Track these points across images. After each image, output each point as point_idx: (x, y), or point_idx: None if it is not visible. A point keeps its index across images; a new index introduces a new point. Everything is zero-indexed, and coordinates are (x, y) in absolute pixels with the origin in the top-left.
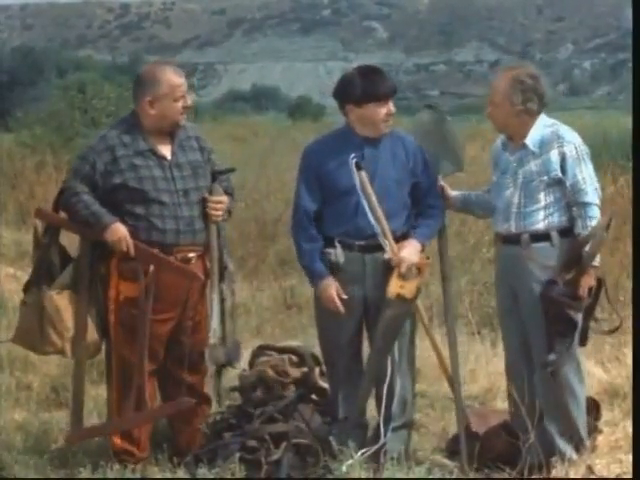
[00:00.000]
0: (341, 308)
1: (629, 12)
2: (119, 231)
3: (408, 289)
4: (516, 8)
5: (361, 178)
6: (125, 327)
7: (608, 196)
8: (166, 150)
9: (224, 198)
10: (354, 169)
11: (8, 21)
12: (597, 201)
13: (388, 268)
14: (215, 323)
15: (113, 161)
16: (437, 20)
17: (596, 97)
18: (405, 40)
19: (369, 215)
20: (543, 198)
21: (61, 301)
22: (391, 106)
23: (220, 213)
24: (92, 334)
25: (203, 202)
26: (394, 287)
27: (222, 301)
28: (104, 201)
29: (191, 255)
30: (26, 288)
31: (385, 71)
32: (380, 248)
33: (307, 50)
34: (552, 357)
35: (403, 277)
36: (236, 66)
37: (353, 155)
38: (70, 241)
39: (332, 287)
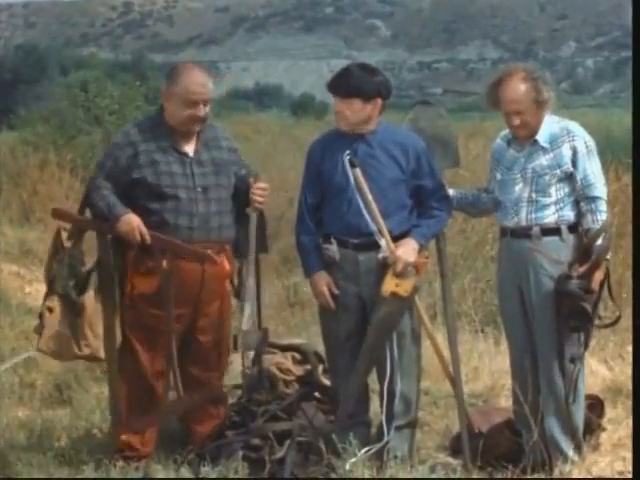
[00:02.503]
0: (331, 303)
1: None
2: (132, 221)
3: (404, 287)
4: (519, 6)
5: (355, 175)
6: (138, 323)
7: (611, 194)
8: (189, 147)
9: (267, 186)
10: (348, 166)
11: (11, 19)
12: (605, 196)
13: (384, 266)
14: (249, 309)
15: (134, 156)
16: (440, 18)
17: (599, 95)
18: (408, 38)
19: (364, 212)
20: (554, 192)
21: (93, 302)
22: (338, 105)
23: (263, 200)
24: (118, 333)
25: (223, 199)
26: (389, 285)
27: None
28: (123, 196)
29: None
30: (47, 295)
31: (364, 71)
32: (374, 247)
33: (310, 48)
34: (580, 351)
35: (399, 275)
36: (239, 64)
37: (347, 152)
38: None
39: (322, 281)
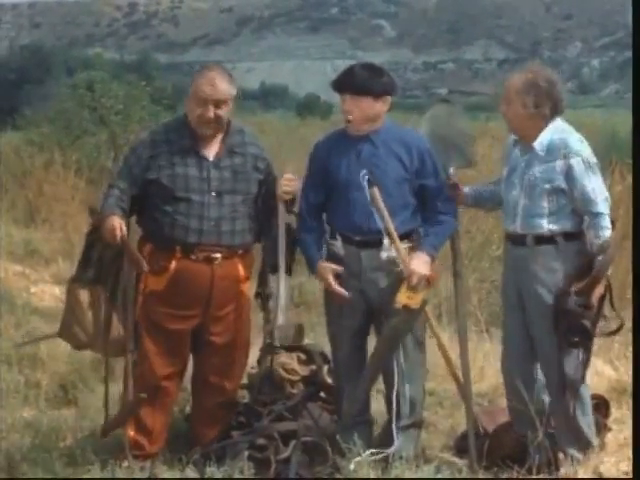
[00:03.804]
0: (341, 290)
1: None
2: (110, 223)
3: (415, 300)
4: (524, 6)
5: (372, 194)
6: (148, 323)
7: (616, 195)
8: (210, 151)
9: (294, 177)
10: (366, 185)
11: (16, 19)
12: (608, 211)
13: (398, 279)
14: (283, 303)
15: (154, 156)
16: (445, 18)
17: (604, 95)
18: (413, 38)
19: (382, 229)
20: (547, 205)
21: (84, 296)
22: (346, 103)
23: (290, 190)
24: (118, 331)
25: (239, 205)
26: (402, 298)
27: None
28: (138, 194)
29: (216, 255)
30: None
31: (371, 70)
32: (377, 244)
33: (315, 48)
34: (577, 373)
35: (412, 288)
36: (244, 64)
37: (364, 172)
38: None
39: (327, 270)
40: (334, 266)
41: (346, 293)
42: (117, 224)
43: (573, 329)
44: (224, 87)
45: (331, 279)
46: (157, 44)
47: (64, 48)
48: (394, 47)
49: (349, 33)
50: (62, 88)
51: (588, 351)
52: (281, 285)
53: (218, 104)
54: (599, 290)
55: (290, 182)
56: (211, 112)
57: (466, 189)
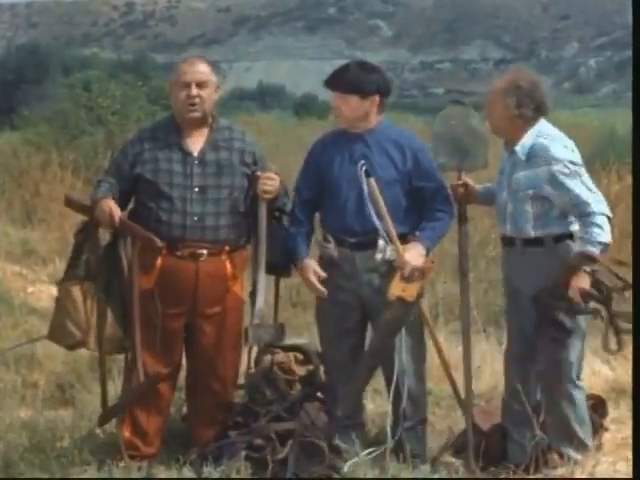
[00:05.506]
0: (320, 289)
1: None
2: (104, 206)
3: (409, 292)
4: (521, 6)
5: (370, 185)
6: (141, 320)
7: (614, 194)
8: (194, 146)
9: (275, 176)
10: (363, 175)
11: (13, 19)
12: (603, 210)
13: (390, 270)
14: (260, 303)
15: (140, 152)
16: (442, 18)
17: (602, 95)
18: (410, 38)
19: (375, 221)
20: (531, 209)
21: (77, 293)
22: (335, 100)
23: (270, 189)
24: (113, 328)
25: (223, 200)
26: (395, 289)
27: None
28: (128, 190)
29: (201, 251)
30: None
31: (362, 69)
32: (371, 246)
33: (313, 48)
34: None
35: (406, 280)
36: (241, 64)
37: (362, 162)
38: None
39: (309, 269)
40: (318, 269)
41: (325, 291)
42: (113, 205)
43: (548, 321)
44: (204, 68)
45: (312, 277)
46: (154, 44)
47: (61, 48)
48: (391, 47)
49: (346, 33)
50: (59, 88)
51: (567, 347)
52: (260, 285)
53: (200, 85)
54: (578, 283)
55: (270, 181)
56: (194, 91)
57: (478, 187)
